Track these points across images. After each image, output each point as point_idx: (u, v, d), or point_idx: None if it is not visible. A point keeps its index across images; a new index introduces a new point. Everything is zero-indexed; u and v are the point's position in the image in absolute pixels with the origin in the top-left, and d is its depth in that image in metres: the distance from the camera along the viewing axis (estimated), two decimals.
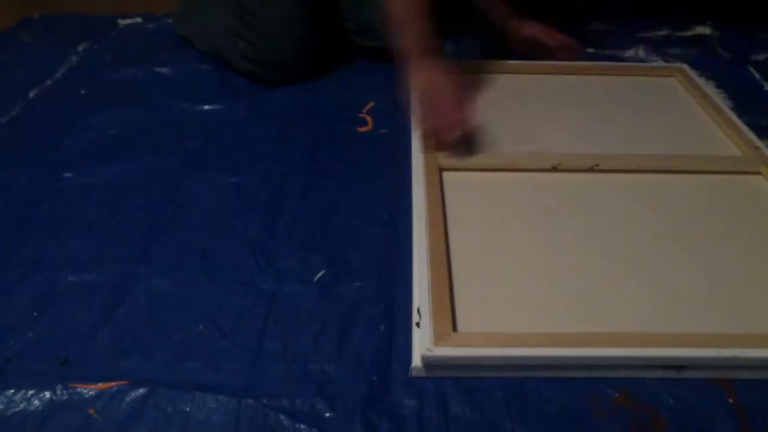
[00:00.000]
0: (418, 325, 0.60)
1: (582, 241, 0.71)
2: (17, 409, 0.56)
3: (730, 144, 0.88)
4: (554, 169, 0.81)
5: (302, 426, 0.54)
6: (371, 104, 0.99)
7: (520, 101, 0.98)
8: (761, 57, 1.18)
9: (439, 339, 0.57)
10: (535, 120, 0.93)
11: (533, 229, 0.72)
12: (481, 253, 0.69)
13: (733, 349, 0.56)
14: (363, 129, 0.95)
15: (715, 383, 0.57)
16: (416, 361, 0.58)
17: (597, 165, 0.81)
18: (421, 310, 0.60)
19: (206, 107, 1.00)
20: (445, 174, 0.80)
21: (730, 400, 0.56)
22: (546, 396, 0.56)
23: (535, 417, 0.55)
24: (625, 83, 1.04)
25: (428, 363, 0.57)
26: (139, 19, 1.29)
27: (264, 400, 0.56)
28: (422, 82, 0.85)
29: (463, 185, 0.79)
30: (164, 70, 1.10)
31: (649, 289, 0.65)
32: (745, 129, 0.89)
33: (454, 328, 0.59)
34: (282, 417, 0.55)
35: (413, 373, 0.58)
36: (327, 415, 0.55)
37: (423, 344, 0.57)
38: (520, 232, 0.72)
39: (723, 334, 0.58)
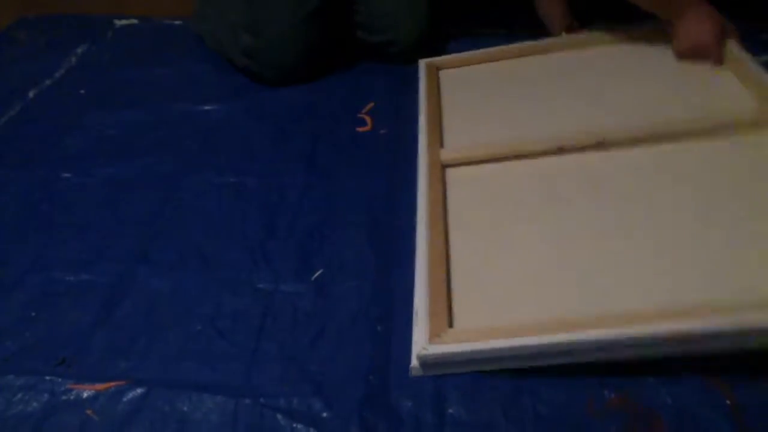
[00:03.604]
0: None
1: (589, 227, 0.67)
2: (15, 410, 0.56)
3: (746, 95, 0.80)
4: (560, 151, 0.77)
5: (299, 426, 0.54)
6: (371, 104, 0.99)
7: (519, 84, 0.95)
8: (764, 59, 1.17)
9: (433, 337, 0.57)
10: (540, 101, 0.89)
11: (537, 221, 0.69)
12: (484, 250, 0.67)
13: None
14: (362, 129, 0.94)
15: (712, 384, 0.57)
16: (414, 361, 0.58)
17: (603, 140, 0.76)
18: (419, 310, 0.60)
19: (206, 107, 1.00)
20: (448, 170, 0.79)
21: (728, 401, 0.55)
22: (542, 397, 0.56)
23: (531, 418, 0.55)
24: (630, 50, 0.98)
25: (424, 362, 0.57)
26: (135, 21, 1.29)
27: (261, 400, 0.56)
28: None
29: (467, 180, 0.77)
30: (164, 70, 1.10)
31: (662, 276, 0.60)
32: (762, 75, 0.79)
33: (451, 326, 0.59)
34: (279, 416, 0.55)
35: (412, 373, 0.58)
36: (324, 414, 0.55)
37: (419, 343, 0.57)
38: (524, 224, 0.69)
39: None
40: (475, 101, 0.94)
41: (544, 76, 0.97)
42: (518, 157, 0.78)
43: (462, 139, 0.85)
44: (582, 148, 0.77)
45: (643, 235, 0.65)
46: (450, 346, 0.56)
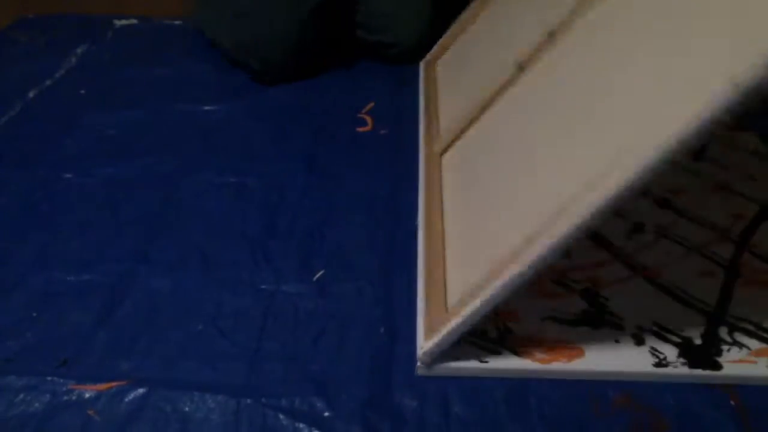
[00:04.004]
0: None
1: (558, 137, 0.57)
2: (17, 411, 0.56)
3: None
4: (521, 68, 0.70)
5: (302, 425, 0.54)
6: (371, 104, 0.99)
7: (486, 35, 0.89)
8: None
9: (428, 332, 0.56)
10: (502, 40, 0.82)
11: (519, 163, 0.61)
12: (475, 226, 0.64)
13: None
14: (362, 129, 0.94)
15: (718, 387, 0.57)
16: (418, 362, 0.58)
17: (552, 28, 0.66)
18: (419, 310, 0.60)
19: (206, 107, 1.00)
20: (443, 158, 0.78)
21: (733, 403, 0.55)
22: (546, 396, 0.56)
23: (536, 417, 0.55)
24: None
25: (425, 360, 0.57)
26: (134, 21, 1.29)
27: (263, 400, 0.56)
28: None
29: (456, 158, 0.74)
30: (164, 70, 1.10)
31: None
32: None
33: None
34: (281, 416, 0.55)
35: (418, 372, 0.58)
36: (326, 414, 0.55)
37: (419, 345, 0.57)
38: (507, 174, 0.62)
39: None
40: (455, 78, 0.92)
41: (506, 13, 0.88)
42: (491, 102, 0.73)
43: (450, 122, 0.82)
44: (537, 51, 0.68)
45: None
46: (440, 332, 0.55)
